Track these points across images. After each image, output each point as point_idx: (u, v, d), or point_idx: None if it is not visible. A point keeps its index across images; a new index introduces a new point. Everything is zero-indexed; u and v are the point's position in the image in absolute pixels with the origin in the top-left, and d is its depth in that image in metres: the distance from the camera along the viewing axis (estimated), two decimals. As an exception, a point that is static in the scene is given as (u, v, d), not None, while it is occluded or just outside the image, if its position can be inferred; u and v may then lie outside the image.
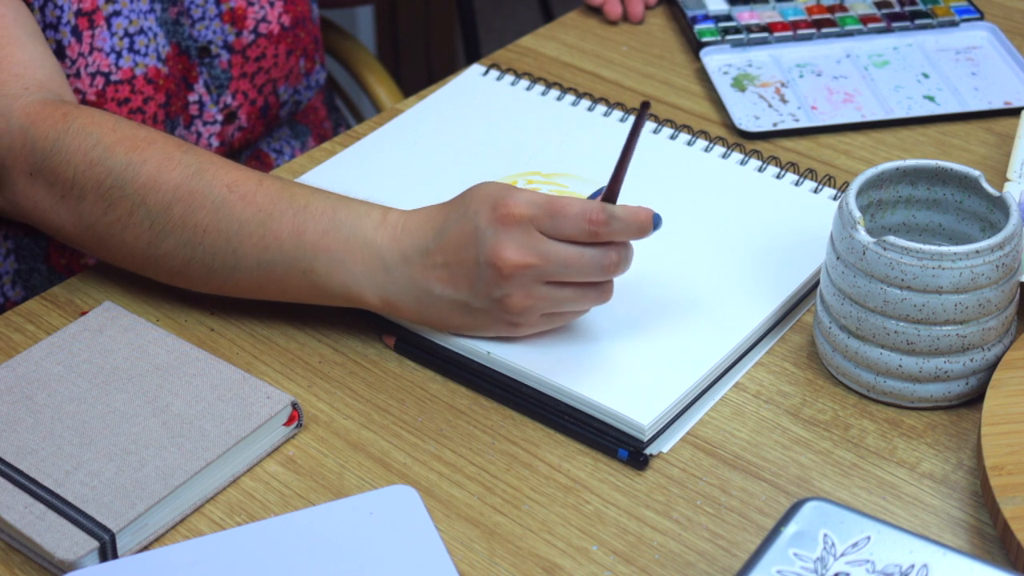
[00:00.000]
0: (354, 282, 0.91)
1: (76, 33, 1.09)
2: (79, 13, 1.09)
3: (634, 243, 0.89)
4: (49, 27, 1.08)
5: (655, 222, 0.87)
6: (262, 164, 1.30)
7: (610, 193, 0.87)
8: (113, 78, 1.12)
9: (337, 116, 1.46)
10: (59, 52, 1.09)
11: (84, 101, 1.10)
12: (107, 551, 0.80)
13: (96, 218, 0.95)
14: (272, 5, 1.22)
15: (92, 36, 1.10)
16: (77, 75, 1.10)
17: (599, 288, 0.90)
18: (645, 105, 0.83)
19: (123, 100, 1.13)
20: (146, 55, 1.14)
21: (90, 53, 1.10)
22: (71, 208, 0.96)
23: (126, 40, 1.12)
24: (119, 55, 1.12)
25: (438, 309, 0.90)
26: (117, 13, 1.11)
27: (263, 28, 1.22)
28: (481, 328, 0.91)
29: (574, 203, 0.86)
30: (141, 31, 1.13)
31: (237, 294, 0.96)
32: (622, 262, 0.88)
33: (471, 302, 0.89)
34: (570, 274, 0.87)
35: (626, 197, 0.89)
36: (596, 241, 0.86)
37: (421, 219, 0.91)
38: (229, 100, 1.22)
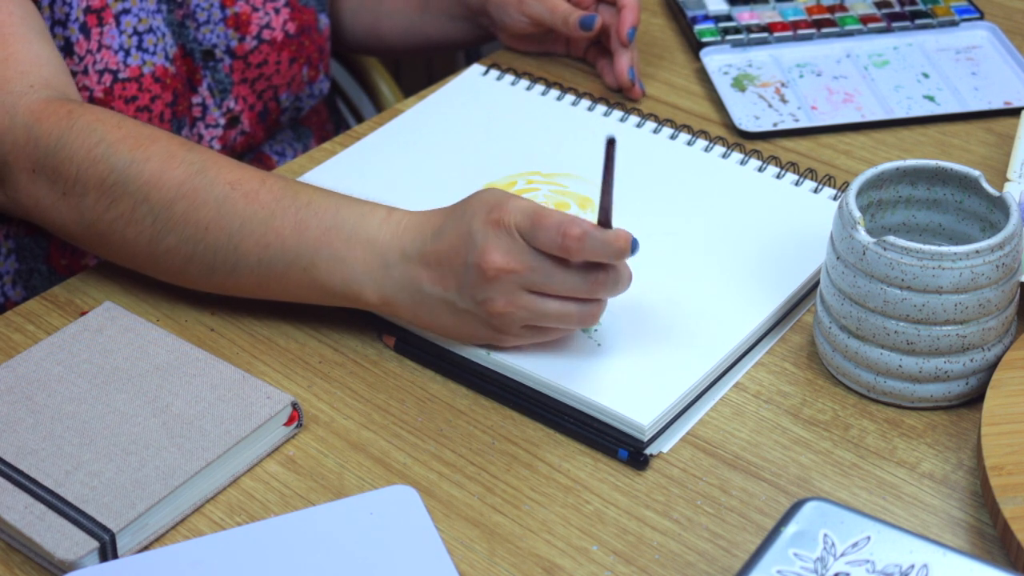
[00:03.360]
0: (354, 279, 0.91)
1: (84, 30, 1.09)
2: (88, 10, 1.09)
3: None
4: (57, 24, 1.08)
5: (633, 247, 0.86)
6: (264, 167, 1.29)
7: (603, 218, 0.86)
8: (121, 76, 1.12)
9: (338, 117, 1.46)
10: (67, 49, 1.09)
11: (92, 98, 1.10)
12: (107, 551, 0.80)
13: (98, 215, 0.96)
14: (277, 12, 1.22)
15: (101, 33, 1.10)
16: (85, 72, 1.10)
17: (583, 308, 0.88)
18: (611, 142, 0.82)
19: (130, 98, 1.12)
20: (154, 54, 1.13)
21: (98, 50, 1.10)
22: (72, 205, 0.96)
23: (135, 38, 1.12)
24: (127, 53, 1.12)
25: (429, 308, 0.90)
26: (126, 11, 1.11)
27: (266, 34, 1.22)
28: (468, 332, 0.90)
29: (555, 215, 0.85)
30: (150, 30, 1.13)
31: (238, 292, 0.96)
32: (609, 283, 0.87)
33: (457, 302, 0.88)
34: (553, 286, 0.86)
35: (626, 197, 0.89)
36: (570, 256, 0.85)
37: (423, 219, 0.91)
38: (232, 104, 1.22)
